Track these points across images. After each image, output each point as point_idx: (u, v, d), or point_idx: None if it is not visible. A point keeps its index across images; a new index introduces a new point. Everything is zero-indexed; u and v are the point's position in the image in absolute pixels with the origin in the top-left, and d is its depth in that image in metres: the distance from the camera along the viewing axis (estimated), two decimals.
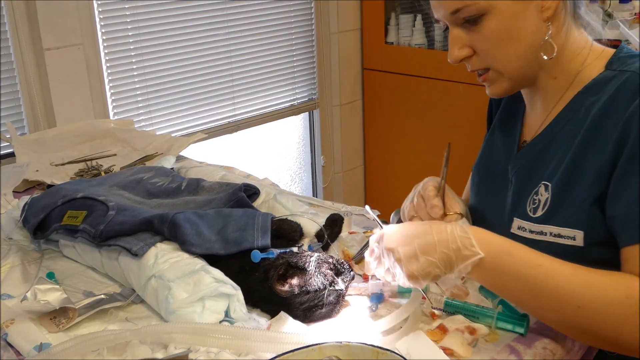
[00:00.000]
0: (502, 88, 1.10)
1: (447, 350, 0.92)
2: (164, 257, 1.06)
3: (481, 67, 1.09)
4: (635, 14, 2.51)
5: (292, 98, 3.04)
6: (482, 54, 1.07)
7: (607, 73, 1.05)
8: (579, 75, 1.08)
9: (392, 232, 0.99)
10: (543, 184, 1.08)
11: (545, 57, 1.05)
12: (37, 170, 1.70)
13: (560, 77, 1.10)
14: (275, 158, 3.16)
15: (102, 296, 1.07)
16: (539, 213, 1.06)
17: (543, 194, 1.07)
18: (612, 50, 1.09)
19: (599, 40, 1.12)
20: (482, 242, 0.94)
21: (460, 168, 1.48)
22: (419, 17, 2.98)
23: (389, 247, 0.97)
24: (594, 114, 1.02)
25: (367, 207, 1.13)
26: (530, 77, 1.10)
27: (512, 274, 0.93)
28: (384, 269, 1.01)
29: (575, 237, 1.01)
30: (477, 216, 1.24)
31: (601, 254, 0.97)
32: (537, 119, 1.16)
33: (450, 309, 1.01)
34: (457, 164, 1.47)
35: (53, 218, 1.24)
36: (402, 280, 0.97)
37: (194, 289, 0.99)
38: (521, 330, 0.97)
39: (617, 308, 0.88)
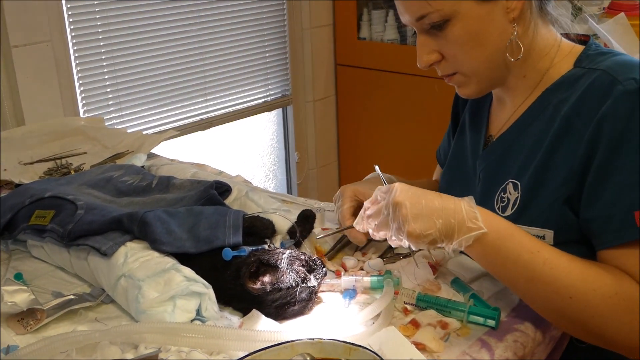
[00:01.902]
0: (472, 90, 1.11)
1: (419, 345, 0.92)
2: (133, 256, 1.05)
3: (450, 72, 1.09)
4: (604, 8, 2.54)
5: (265, 94, 3.03)
6: (450, 58, 1.07)
7: (576, 71, 1.05)
8: (547, 72, 1.08)
9: (404, 188, 0.98)
10: (511, 182, 1.08)
11: (512, 59, 1.05)
12: (5, 170, 1.67)
13: (530, 76, 1.10)
14: (249, 155, 3.15)
15: (71, 297, 1.06)
16: (508, 212, 1.07)
17: (512, 193, 1.08)
18: (581, 47, 1.09)
19: (567, 35, 1.12)
20: (486, 219, 0.94)
21: (434, 164, 1.48)
22: (391, 12, 2.99)
23: (397, 200, 0.96)
24: (564, 112, 1.02)
25: (377, 167, 1.13)
26: (499, 78, 1.10)
27: (511, 256, 0.94)
28: (379, 222, 1.00)
29: (545, 236, 1.02)
30: None
31: (570, 253, 0.97)
32: (504, 114, 1.16)
33: (423, 304, 1.02)
34: (430, 160, 1.47)
35: (20, 218, 1.22)
36: (396, 238, 0.97)
37: (165, 288, 0.98)
38: (492, 323, 0.97)
39: (607, 303, 0.90)
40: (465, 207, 0.95)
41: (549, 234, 1.01)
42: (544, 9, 1.08)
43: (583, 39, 1.12)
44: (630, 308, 0.90)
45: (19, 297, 1.03)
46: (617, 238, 0.93)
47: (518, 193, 1.06)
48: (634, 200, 0.92)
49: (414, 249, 0.99)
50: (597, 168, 0.96)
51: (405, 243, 0.98)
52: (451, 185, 1.26)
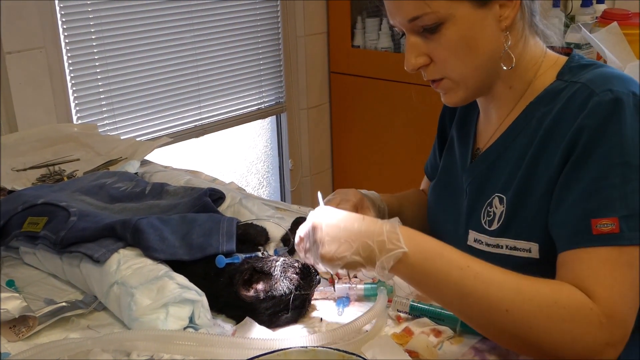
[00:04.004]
0: (458, 97, 1.10)
1: (412, 354, 0.92)
2: (126, 263, 1.05)
3: (437, 77, 1.08)
4: (597, 17, 2.56)
5: (259, 102, 3.03)
6: (439, 63, 1.05)
7: (558, 83, 1.05)
8: (531, 84, 1.09)
9: (324, 211, 0.97)
10: (497, 196, 1.08)
11: (504, 68, 1.05)
12: None
13: (516, 86, 1.10)
14: (243, 162, 3.15)
15: (64, 304, 1.06)
16: (495, 226, 1.06)
17: (498, 207, 1.07)
18: (564, 59, 1.09)
19: (552, 47, 1.12)
20: (411, 241, 0.92)
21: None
22: (385, 20, 2.99)
23: (315, 224, 0.95)
24: (545, 125, 1.02)
25: (319, 194, 1.11)
26: (486, 86, 1.10)
27: (440, 275, 0.91)
28: (307, 246, 0.99)
29: (531, 249, 1.01)
30: (434, 228, 1.24)
31: (555, 266, 0.96)
32: (490, 127, 1.16)
33: (416, 312, 1.02)
34: (422, 168, 1.47)
35: (13, 225, 1.21)
36: (315, 260, 0.96)
37: (158, 296, 0.98)
38: None
39: (545, 313, 0.87)
40: (387, 228, 0.93)
41: (535, 247, 1.01)
42: (532, 21, 1.08)
43: (566, 52, 1.12)
44: (571, 315, 0.87)
45: (11, 304, 1.02)
46: (572, 242, 0.92)
47: (503, 207, 1.06)
48: (592, 208, 0.91)
49: (331, 272, 0.99)
50: (565, 175, 0.96)
51: (321, 267, 0.97)
52: (440, 200, 1.25)
